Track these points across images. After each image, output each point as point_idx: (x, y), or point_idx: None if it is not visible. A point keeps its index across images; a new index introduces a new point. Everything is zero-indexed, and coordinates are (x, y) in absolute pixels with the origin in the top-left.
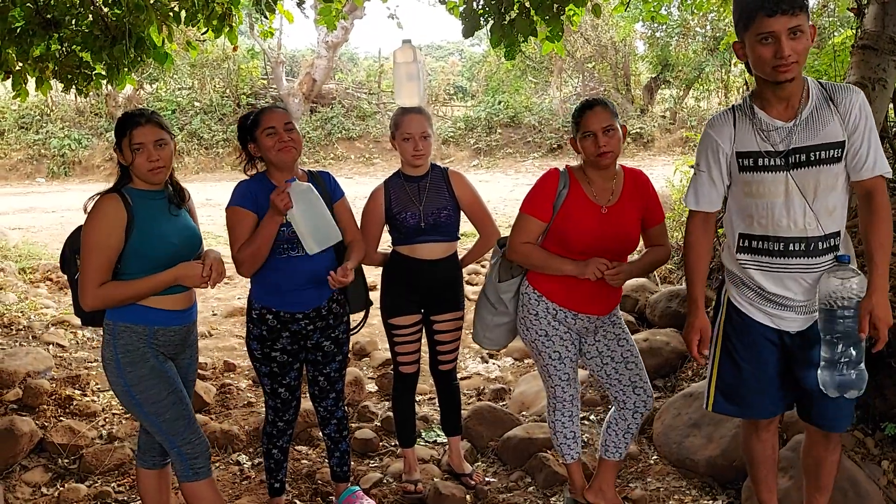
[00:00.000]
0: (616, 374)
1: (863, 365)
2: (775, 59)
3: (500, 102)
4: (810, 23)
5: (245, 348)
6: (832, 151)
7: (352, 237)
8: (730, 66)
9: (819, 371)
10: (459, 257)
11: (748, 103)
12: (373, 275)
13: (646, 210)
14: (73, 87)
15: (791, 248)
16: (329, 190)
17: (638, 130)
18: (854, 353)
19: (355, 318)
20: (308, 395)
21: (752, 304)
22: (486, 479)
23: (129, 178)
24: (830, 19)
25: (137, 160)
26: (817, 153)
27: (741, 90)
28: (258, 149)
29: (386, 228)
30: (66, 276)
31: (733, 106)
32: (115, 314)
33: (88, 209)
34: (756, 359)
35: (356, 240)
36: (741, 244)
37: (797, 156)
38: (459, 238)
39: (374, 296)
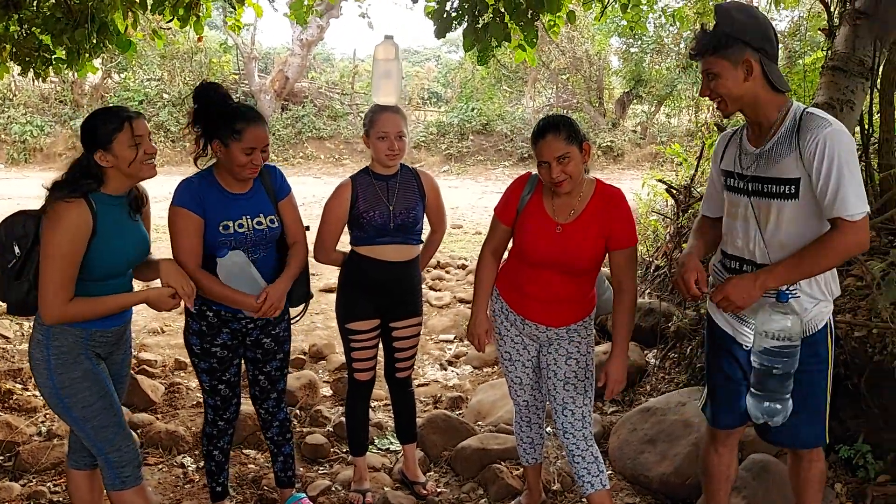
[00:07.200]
0: (553, 391)
1: (789, 397)
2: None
3: (473, 109)
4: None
5: None
6: (784, 187)
7: (293, 238)
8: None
9: (748, 395)
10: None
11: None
12: (332, 275)
13: (611, 231)
14: (31, 70)
15: (744, 269)
16: (275, 186)
17: (609, 144)
18: (780, 385)
19: (295, 310)
20: (249, 397)
21: (718, 310)
22: (438, 489)
23: (98, 183)
24: (802, 41)
25: (139, 154)
26: (769, 186)
27: (712, 108)
28: (222, 150)
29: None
30: None
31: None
32: None
33: (49, 210)
34: (719, 367)
35: (299, 241)
36: (721, 255)
37: (755, 184)
38: (422, 242)
39: (331, 298)
